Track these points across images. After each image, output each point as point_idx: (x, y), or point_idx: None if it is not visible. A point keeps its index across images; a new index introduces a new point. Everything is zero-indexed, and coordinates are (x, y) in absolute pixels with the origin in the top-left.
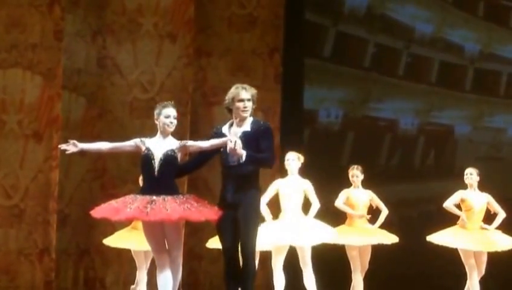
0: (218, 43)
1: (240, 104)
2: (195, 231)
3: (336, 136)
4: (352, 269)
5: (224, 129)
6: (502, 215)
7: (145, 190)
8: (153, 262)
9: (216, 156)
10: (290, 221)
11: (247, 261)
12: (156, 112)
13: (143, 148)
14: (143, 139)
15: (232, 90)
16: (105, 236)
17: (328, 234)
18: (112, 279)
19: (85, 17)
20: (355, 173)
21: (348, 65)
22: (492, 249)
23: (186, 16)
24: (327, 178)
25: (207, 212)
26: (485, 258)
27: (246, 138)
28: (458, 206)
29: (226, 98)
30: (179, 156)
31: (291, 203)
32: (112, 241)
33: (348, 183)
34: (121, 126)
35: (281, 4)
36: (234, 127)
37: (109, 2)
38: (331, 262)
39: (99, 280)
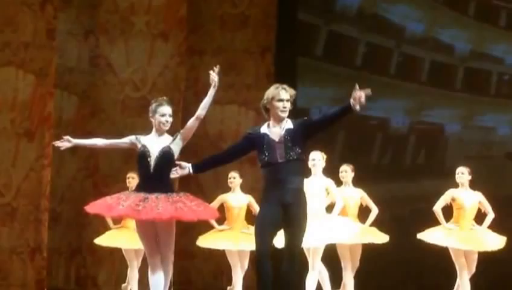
0: (210, 42)
1: (280, 104)
2: (186, 230)
3: (328, 135)
4: (343, 268)
5: (263, 129)
6: (491, 215)
7: (140, 187)
8: (144, 260)
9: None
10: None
11: (295, 262)
12: (151, 109)
13: (138, 146)
14: (138, 136)
15: (272, 90)
16: (97, 234)
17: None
18: (104, 277)
19: (77, 15)
20: (344, 169)
21: (339, 64)
22: (483, 249)
23: (178, 15)
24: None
25: (201, 212)
26: (475, 257)
27: (290, 136)
28: (450, 206)
29: (265, 97)
30: (176, 151)
31: (315, 203)
32: (103, 240)
33: (340, 182)
34: (113, 124)
35: (273, 3)
36: (273, 128)
37: (102, 1)
38: (323, 260)
39: (91, 279)
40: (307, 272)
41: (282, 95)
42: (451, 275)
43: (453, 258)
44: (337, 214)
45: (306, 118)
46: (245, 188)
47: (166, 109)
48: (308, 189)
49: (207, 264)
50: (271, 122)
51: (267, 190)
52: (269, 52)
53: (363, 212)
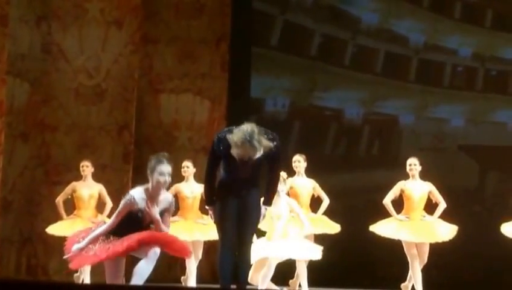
0: (165, 30)
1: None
2: None
3: (283, 125)
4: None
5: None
6: (442, 205)
7: (116, 234)
8: None
9: None
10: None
11: (247, 252)
12: (149, 166)
13: (135, 208)
14: (132, 197)
15: (238, 141)
16: (49, 224)
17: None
18: (55, 267)
19: (30, 2)
20: (297, 159)
21: (294, 54)
22: (434, 240)
23: (133, 2)
24: None
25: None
26: (427, 248)
27: (259, 160)
28: (400, 197)
29: (233, 139)
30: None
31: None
32: (55, 229)
33: (293, 172)
34: (65, 112)
35: None
36: None
37: None
38: None
39: (41, 268)
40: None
41: (248, 154)
42: (403, 265)
43: (405, 250)
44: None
45: (277, 148)
46: (199, 178)
47: (166, 168)
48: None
49: (160, 255)
50: None
51: (224, 184)
52: (224, 41)
53: (315, 203)
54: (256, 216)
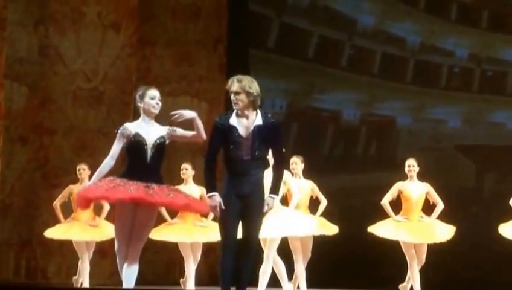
0: (162, 32)
1: (231, 97)
2: None
3: (280, 127)
4: (294, 260)
5: (232, 121)
6: (440, 206)
7: (132, 177)
8: (95, 253)
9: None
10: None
11: (251, 254)
12: (138, 94)
13: (130, 136)
14: (125, 126)
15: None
16: (48, 227)
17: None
18: (54, 270)
19: (27, 6)
20: (295, 160)
21: (291, 56)
22: (432, 241)
23: (130, 5)
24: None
25: (198, 204)
26: (425, 249)
27: (259, 133)
28: (398, 198)
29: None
30: (167, 143)
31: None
32: (54, 232)
33: (291, 174)
34: (63, 116)
35: None
36: (241, 119)
37: None
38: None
39: (41, 271)
40: (261, 264)
41: (231, 87)
42: (402, 266)
43: (404, 250)
44: (293, 207)
45: (277, 122)
46: (197, 180)
47: (156, 92)
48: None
49: (159, 257)
50: (239, 112)
51: (228, 183)
52: (221, 44)
53: (312, 204)
54: (260, 214)
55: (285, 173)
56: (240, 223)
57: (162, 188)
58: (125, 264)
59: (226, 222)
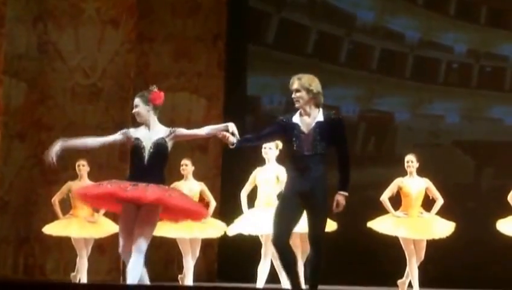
0: (161, 28)
1: (292, 95)
2: None
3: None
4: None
5: (295, 118)
6: (440, 201)
7: (132, 178)
8: (93, 249)
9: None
10: (262, 210)
11: (320, 250)
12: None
13: (132, 139)
14: (127, 130)
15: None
16: (46, 223)
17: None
18: (52, 266)
19: (26, 2)
20: None
21: (290, 52)
22: (432, 237)
23: (128, 1)
24: None
25: (191, 203)
26: (424, 245)
27: (320, 129)
28: (398, 194)
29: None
30: (169, 144)
31: (267, 190)
32: (52, 229)
33: None
34: (62, 112)
35: None
36: (304, 117)
37: None
38: None
39: (39, 267)
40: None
41: (292, 85)
42: (400, 262)
43: (403, 246)
44: None
45: (339, 117)
46: (197, 176)
47: (135, 100)
48: (261, 177)
49: (157, 253)
50: (302, 110)
51: (289, 180)
52: (220, 40)
53: None
54: (323, 210)
55: (281, 168)
56: (307, 219)
57: (149, 185)
58: (129, 262)
59: (279, 218)
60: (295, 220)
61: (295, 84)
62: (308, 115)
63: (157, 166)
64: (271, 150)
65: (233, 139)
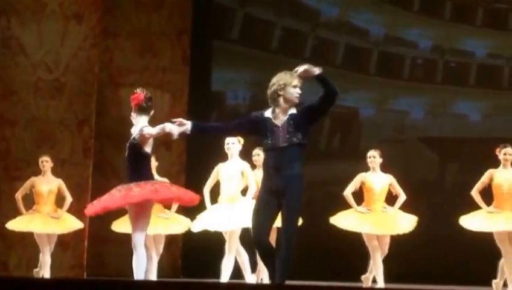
0: (125, 23)
1: (294, 90)
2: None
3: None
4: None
5: (267, 114)
6: (402, 197)
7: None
8: (57, 245)
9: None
10: (225, 206)
11: (291, 246)
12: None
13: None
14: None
15: (284, 76)
16: (9, 219)
17: None
18: (15, 262)
19: None
20: (257, 152)
21: (255, 47)
22: (395, 232)
23: None
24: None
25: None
26: (387, 240)
27: (293, 121)
28: (361, 189)
29: (276, 83)
30: (144, 143)
31: (231, 186)
32: (15, 224)
33: (254, 166)
34: (25, 107)
35: None
36: (277, 113)
37: None
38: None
39: (1, 263)
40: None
41: (297, 81)
42: (364, 257)
43: (366, 242)
44: (251, 198)
45: (307, 105)
46: (160, 172)
47: None
48: (224, 172)
49: (121, 249)
50: (277, 108)
51: (265, 177)
52: (185, 35)
53: None
54: (297, 208)
55: (245, 164)
56: (280, 217)
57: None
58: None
59: (257, 216)
60: (272, 217)
61: (299, 81)
62: (285, 111)
63: (133, 164)
64: (234, 144)
65: (188, 125)
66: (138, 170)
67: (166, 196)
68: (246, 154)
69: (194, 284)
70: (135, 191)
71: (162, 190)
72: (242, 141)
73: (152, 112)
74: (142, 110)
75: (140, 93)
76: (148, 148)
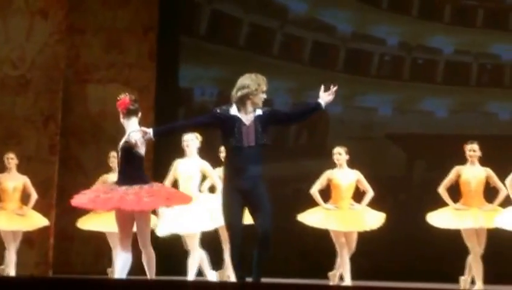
0: (91, 20)
1: (263, 96)
2: (67, 212)
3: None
4: (224, 250)
5: (233, 111)
6: (370, 193)
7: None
8: (22, 242)
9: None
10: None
11: (269, 245)
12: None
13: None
14: None
15: (256, 80)
16: None
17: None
18: None
19: None
20: (222, 150)
21: (223, 44)
22: (363, 229)
23: None
24: (201, 157)
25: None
26: (355, 237)
27: (260, 121)
28: (328, 186)
29: (247, 85)
30: (139, 143)
31: (189, 185)
32: None
33: (220, 163)
34: None
35: None
36: (243, 113)
37: None
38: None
39: None
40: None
41: (266, 87)
42: (332, 254)
43: (333, 238)
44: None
45: (273, 108)
46: None
47: None
48: (182, 171)
49: (87, 246)
50: (243, 108)
51: (228, 176)
52: (152, 31)
53: None
54: (267, 206)
55: (205, 163)
56: (252, 217)
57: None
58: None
59: (229, 210)
60: (241, 212)
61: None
62: (248, 110)
63: (126, 168)
64: (193, 141)
65: (150, 133)
66: (134, 172)
67: (177, 203)
68: (211, 150)
69: (162, 283)
70: (148, 199)
71: (173, 197)
72: (200, 137)
73: (140, 113)
74: (130, 113)
75: (124, 98)
76: (141, 150)
